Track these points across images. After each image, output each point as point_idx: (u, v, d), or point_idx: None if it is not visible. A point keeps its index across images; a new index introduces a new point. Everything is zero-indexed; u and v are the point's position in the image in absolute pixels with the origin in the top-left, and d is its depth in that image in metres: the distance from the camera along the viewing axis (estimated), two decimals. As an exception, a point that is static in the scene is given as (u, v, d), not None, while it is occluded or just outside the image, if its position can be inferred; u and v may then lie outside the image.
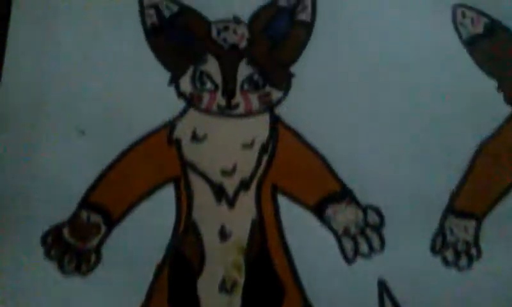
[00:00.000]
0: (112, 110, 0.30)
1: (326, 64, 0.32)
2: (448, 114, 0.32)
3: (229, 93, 0.30)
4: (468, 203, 0.31)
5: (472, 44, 0.34)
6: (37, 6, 0.31)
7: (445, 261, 0.31)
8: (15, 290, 0.27)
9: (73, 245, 0.28)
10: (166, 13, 0.31)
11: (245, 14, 0.32)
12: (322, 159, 0.31)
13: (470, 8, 0.34)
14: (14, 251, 0.28)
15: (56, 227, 0.28)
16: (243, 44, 0.31)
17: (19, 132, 0.29)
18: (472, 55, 0.34)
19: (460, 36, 0.34)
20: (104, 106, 0.30)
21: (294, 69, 0.32)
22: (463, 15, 0.34)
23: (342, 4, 0.33)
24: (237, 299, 0.28)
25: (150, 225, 0.28)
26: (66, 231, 0.28)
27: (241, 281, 0.28)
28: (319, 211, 0.30)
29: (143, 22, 0.31)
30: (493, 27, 0.34)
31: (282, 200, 0.30)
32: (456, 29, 0.34)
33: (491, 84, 0.33)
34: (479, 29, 0.34)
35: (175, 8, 0.31)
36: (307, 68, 0.32)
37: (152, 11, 0.31)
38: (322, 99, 0.31)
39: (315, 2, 0.33)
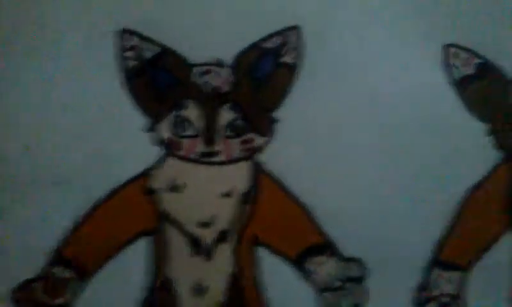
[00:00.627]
0: (89, 159, 0.28)
1: (310, 109, 0.31)
2: (436, 160, 0.31)
3: (209, 140, 0.29)
4: (453, 254, 0.30)
5: (462, 85, 0.32)
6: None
7: None
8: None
9: (45, 301, 0.27)
10: (147, 55, 0.30)
11: (228, 56, 0.30)
12: (304, 209, 0.30)
13: (463, 48, 0.33)
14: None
15: (26, 282, 0.27)
16: (226, 88, 0.29)
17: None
18: (461, 96, 0.32)
19: (450, 76, 0.32)
20: (81, 155, 0.28)
21: (278, 114, 0.30)
22: (456, 56, 0.33)
23: (327, 45, 0.31)
24: None
25: (123, 280, 0.27)
26: (37, 287, 0.27)
27: None
28: (299, 263, 0.29)
29: (122, 64, 0.29)
30: (485, 68, 0.33)
31: (262, 252, 0.29)
32: (447, 69, 0.32)
33: (481, 127, 0.32)
34: (470, 70, 0.33)
35: (157, 49, 0.30)
36: (291, 113, 0.31)
37: (131, 53, 0.29)
38: (306, 146, 0.31)
39: (300, 44, 0.31)
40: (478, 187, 0.31)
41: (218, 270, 0.28)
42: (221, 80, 0.30)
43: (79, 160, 0.29)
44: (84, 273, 0.28)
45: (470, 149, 0.31)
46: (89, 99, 0.29)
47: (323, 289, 0.29)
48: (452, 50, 0.33)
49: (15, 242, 0.28)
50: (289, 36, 0.30)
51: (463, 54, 0.33)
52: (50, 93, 0.29)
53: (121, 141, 0.29)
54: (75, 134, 0.29)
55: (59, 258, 0.28)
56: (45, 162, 0.29)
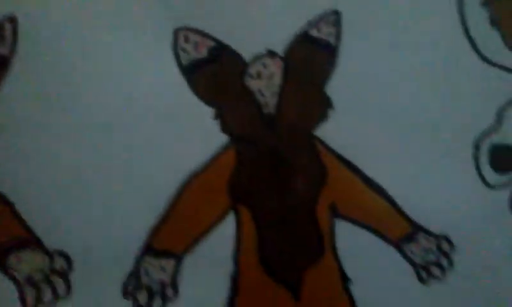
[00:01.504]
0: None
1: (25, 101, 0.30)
2: (160, 141, 0.30)
3: None
4: (167, 242, 0.30)
5: (192, 70, 0.32)
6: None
7: (137, 305, 0.29)
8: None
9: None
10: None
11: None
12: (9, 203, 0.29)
13: (195, 31, 0.32)
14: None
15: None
16: None
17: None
18: (190, 82, 0.32)
19: (180, 63, 0.32)
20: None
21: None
22: (186, 39, 0.32)
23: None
24: None
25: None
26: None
27: None
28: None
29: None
30: (219, 52, 0.32)
31: None
32: (176, 55, 0.32)
33: (208, 111, 0.32)
34: (203, 54, 0.32)
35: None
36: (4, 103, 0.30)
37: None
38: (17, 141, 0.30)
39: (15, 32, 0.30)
40: (201, 171, 0.31)
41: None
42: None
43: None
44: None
45: (196, 133, 0.31)
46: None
47: (24, 284, 0.29)
48: (183, 33, 0.32)
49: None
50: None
51: (196, 37, 0.32)
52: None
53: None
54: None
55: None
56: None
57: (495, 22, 0.35)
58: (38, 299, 0.29)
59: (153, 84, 0.31)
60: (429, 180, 0.32)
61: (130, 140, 0.30)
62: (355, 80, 0.32)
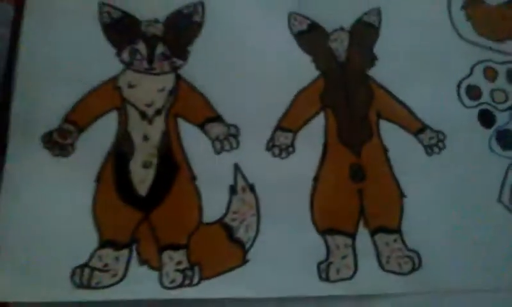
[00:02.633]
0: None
1: (212, 48, 0.56)
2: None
3: (150, 61, 0.55)
4: (290, 122, 0.56)
5: (299, 36, 0.59)
6: None
7: (273, 154, 0.55)
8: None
9: (59, 142, 0.51)
10: (114, 15, 0.55)
11: (162, 16, 0.56)
12: (205, 99, 0.54)
13: (299, 14, 0.60)
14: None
15: (48, 132, 0.51)
16: (159, 34, 0.55)
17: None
18: (298, 43, 0.59)
19: (291, 32, 0.59)
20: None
21: (190, 48, 0.56)
22: (294, 19, 0.60)
23: (225, 11, 0.58)
24: (152, 171, 0.52)
25: (101, 131, 0.52)
26: (55, 134, 0.52)
27: (155, 161, 0.51)
28: (202, 127, 0.54)
29: (101, 20, 0.54)
30: (313, 26, 0.60)
31: (180, 121, 0.55)
32: (289, 28, 0.59)
33: (308, 58, 0.59)
34: (304, 27, 0.60)
35: (120, 13, 0.55)
36: (199, 49, 0.56)
37: (106, 14, 0.55)
38: (209, 67, 0.54)
39: (204, 10, 0.57)
40: (305, 88, 0.58)
41: (156, 129, 0.52)
42: (157, 29, 0.55)
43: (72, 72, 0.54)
44: (81, 127, 0.51)
45: (297, 72, 0.58)
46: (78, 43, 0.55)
47: (214, 140, 0.55)
48: (293, 15, 0.60)
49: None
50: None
51: (299, 17, 0.60)
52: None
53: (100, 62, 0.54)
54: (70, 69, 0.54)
55: (66, 119, 0.51)
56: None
57: (469, 17, 0.63)
58: (222, 147, 0.55)
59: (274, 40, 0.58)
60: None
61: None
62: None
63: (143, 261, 0.47)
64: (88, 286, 0.44)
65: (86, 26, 0.53)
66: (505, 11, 0.61)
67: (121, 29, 0.54)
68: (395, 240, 0.49)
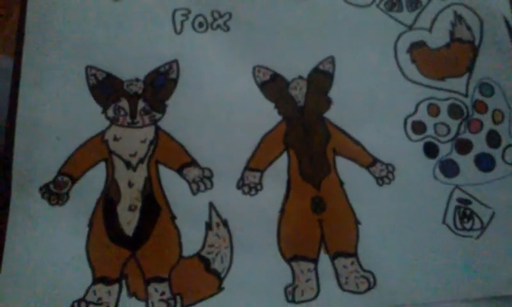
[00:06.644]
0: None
1: (186, 100, 0.62)
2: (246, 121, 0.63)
3: (133, 116, 0.63)
4: (257, 163, 0.64)
5: (262, 86, 0.68)
6: None
7: (244, 192, 0.63)
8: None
9: (55, 192, 0.58)
10: (99, 77, 0.64)
11: (141, 75, 0.64)
12: (182, 146, 0.60)
13: (262, 66, 0.68)
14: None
15: (46, 184, 0.59)
16: (140, 91, 0.64)
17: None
18: (262, 92, 0.65)
19: (255, 82, 0.67)
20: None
21: (167, 102, 0.64)
22: (258, 71, 0.68)
23: (196, 67, 0.65)
24: (137, 214, 0.56)
25: (92, 180, 0.59)
26: (51, 186, 0.59)
27: (139, 205, 0.55)
28: (180, 172, 0.61)
29: (88, 82, 0.62)
30: (275, 76, 0.68)
31: (161, 167, 0.62)
32: (254, 79, 0.67)
33: (271, 105, 0.64)
34: (267, 77, 0.68)
35: (104, 74, 0.63)
36: (175, 102, 0.62)
37: (92, 76, 0.63)
38: (184, 118, 0.58)
39: (178, 67, 0.65)
40: (269, 132, 0.66)
41: (139, 176, 0.59)
42: (137, 87, 0.63)
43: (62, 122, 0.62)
44: (74, 178, 0.58)
45: (262, 118, 0.66)
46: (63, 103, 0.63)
47: (191, 183, 0.63)
48: (257, 67, 0.68)
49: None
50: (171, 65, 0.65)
51: (263, 69, 0.68)
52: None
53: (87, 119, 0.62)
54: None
55: (61, 172, 0.58)
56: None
57: (413, 60, 0.72)
58: (198, 188, 0.63)
59: (240, 91, 0.65)
60: None
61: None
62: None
63: (131, 294, 0.54)
64: (85, 318, 0.48)
65: (75, 88, 0.60)
66: (445, 52, 0.67)
67: (106, 89, 0.61)
68: (352, 263, 0.53)
